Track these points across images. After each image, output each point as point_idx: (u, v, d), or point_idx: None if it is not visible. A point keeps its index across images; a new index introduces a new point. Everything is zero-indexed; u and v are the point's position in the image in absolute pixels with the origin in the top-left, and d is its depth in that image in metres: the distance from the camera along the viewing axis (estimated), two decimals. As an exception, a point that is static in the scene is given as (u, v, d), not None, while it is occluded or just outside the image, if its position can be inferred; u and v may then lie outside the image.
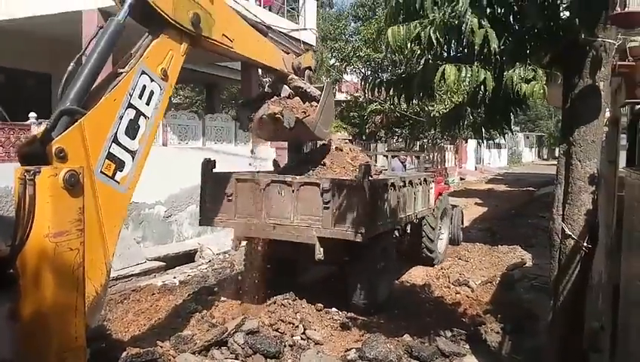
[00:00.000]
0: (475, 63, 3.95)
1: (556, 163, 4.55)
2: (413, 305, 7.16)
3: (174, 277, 8.69)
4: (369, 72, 19.48)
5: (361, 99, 20.29)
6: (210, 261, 9.75)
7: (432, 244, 9.24)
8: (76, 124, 3.24)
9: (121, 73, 3.70)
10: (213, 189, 6.61)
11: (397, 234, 8.73)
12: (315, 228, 6.02)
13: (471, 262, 9.85)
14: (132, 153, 3.68)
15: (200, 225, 7.70)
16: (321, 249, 5.99)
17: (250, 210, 6.39)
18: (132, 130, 3.68)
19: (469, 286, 8.09)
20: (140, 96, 3.75)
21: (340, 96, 21.64)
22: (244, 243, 7.04)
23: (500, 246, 11.15)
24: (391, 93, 5.06)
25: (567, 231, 4.18)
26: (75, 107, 3.29)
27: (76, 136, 3.22)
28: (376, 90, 5.31)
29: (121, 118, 3.58)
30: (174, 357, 5.05)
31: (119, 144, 3.58)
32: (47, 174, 2.85)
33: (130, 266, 8.69)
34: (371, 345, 5.38)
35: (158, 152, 10.55)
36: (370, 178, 5.98)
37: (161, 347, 5.23)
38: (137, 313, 6.43)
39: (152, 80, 3.84)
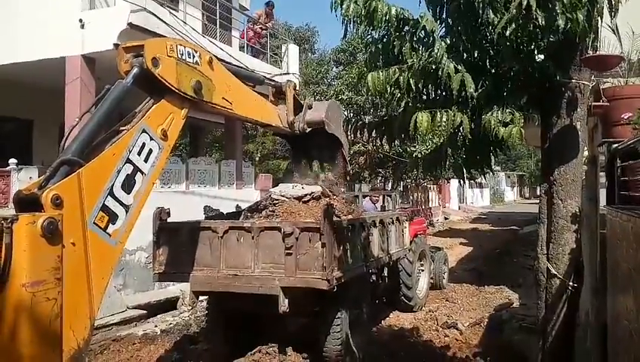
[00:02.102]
0: (453, 107, 4.02)
1: (538, 201, 4.60)
2: (402, 350, 7.01)
3: (156, 326, 8.45)
4: (351, 115, 19.79)
5: (344, 141, 20.49)
6: (191, 308, 9.51)
7: (409, 291, 9.00)
8: (74, 173, 3.26)
9: (123, 130, 3.79)
10: (168, 240, 6.21)
11: (373, 278, 8.48)
12: (277, 277, 5.62)
13: (458, 304, 9.77)
14: (126, 207, 3.69)
15: (154, 281, 7.23)
16: (286, 300, 5.56)
17: (207, 260, 5.97)
18: (128, 185, 3.71)
19: (457, 329, 7.99)
20: (139, 153, 3.82)
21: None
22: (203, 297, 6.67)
23: (486, 286, 11.11)
24: (373, 134, 5.13)
25: (553, 271, 4.19)
26: (76, 158, 3.36)
27: (73, 185, 3.23)
28: (359, 132, 5.37)
29: (118, 171, 3.62)
30: (155, 412, 4.85)
31: (114, 197, 3.59)
32: (24, 222, 2.79)
33: (111, 315, 8.45)
34: (360, 394, 5.23)
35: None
36: (334, 220, 5.74)
37: (142, 401, 5.03)
38: (117, 364, 6.21)
39: (151, 138, 3.93)
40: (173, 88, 4.10)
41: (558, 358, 4.16)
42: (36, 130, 13.52)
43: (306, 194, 6.80)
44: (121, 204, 3.64)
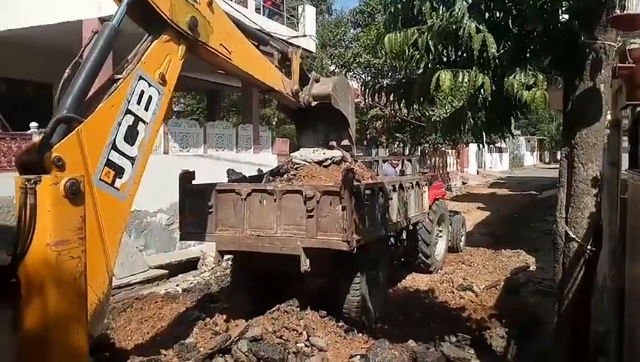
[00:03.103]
0: (474, 68, 3.95)
1: (558, 166, 4.54)
2: (417, 311, 7.12)
3: (177, 285, 8.68)
4: (369, 78, 19.52)
5: (361, 105, 20.32)
6: (212, 268, 9.73)
7: (427, 248, 9.09)
8: (74, 132, 3.20)
9: (119, 79, 3.65)
10: (193, 202, 6.36)
11: (392, 241, 8.55)
12: (299, 238, 5.78)
13: (474, 267, 9.82)
14: (131, 159, 3.63)
15: (180, 240, 7.53)
16: (307, 260, 5.72)
17: (232, 221, 6.15)
18: (131, 137, 3.63)
19: (473, 291, 8.06)
20: (139, 102, 3.70)
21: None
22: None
23: (503, 250, 11.12)
24: (391, 98, 5.07)
25: (571, 235, 4.17)
26: (72, 115, 3.26)
27: (74, 144, 3.19)
28: (377, 95, 5.32)
29: (119, 124, 3.53)
30: (178, 366, 5.03)
31: (118, 151, 3.53)
32: (47, 183, 2.85)
33: (133, 274, 8.69)
34: (375, 352, 5.35)
35: (159, 160, 10.64)
36: (354, 183, 5.80)
37: (165, 355, 5.21)
38: (140, 321, 6.40)
39: (150, 85, 3.79)
40: (166, 18, 3.88)
41: (574, 321, 4.19)
42: (56, 94, 13.63)
43: (327, 159, 6.86)
44: (126, 156, 3.58)
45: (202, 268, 10.03)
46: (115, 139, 3.50)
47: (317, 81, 6.70)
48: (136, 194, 3.81)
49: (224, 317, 6.38)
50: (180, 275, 9.51)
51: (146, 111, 3.76)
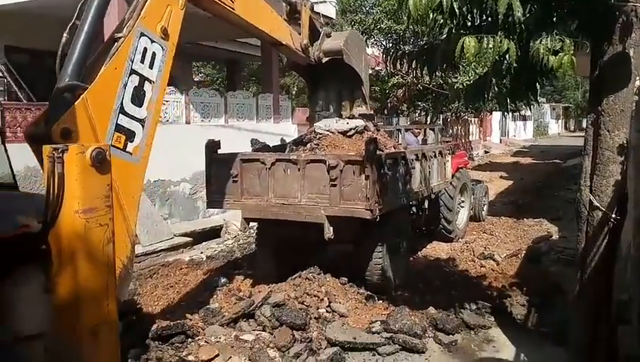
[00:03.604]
0: (499, 33, 3.86)
1: (583, 134, 4.45)
2: (437, 279, 7.16)
3: (201, 253, 8.87)
4: (390, 45, 19.17)
5: (382, 73, 20.03)
6: (235, 236, 9.90)
7: (449, 214, 9.07)
8: (78, 100, 3.12)
9: (119, 38, 3.49)
10: (219, 171, 6.50)
11: (414, 210, 8.60)
12: (322, 206, 5.88)
13: (496, 236, 9.78)
14: (141, 121, 3.53)
15: (207, 208, 7.72)
16: (331, 228, 5.84)
17: (257, 190, 6.27)
18: (138, 98, 3.51)
19: (494, 260, 8.05)
20: (142, 61, 3.55)
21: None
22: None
23: (525, 219, 11.03)
24: (413, 65, 4.99)
25: (595, 203, 4.12)
26: (75, 82, 3.16)
27: (80, 113, 3.11)
28: (399, 62, 5.24)
29: (124, 86, 3.40)
30: (203, 329, 5.19)
31: (126, 114, 3.43)
32: (74, 152, 2.89)
33: (158, 242, 8.89)
34: (396, 318, 5.43)
35: (182, 130, 10.76)
36: (377, 153, 5.82)
37: (191, 319, 5.37)
38: (166, 287, 6.58)
39: (152, 41, 3.62)
40: None
41: (596, 290, 4.17)
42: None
43: (350, 129, 6.86)
44: (135, 119, 3.48)
45: (225, 236, 10.20)
46: (122, 103, 3.39)
47: (328, 36, 6.54)
48: (150, 156, 3.69)
49: (247, 283, 6.53)
50: (204, 243, 9.71)
51: (151, 69, 3.62)
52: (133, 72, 3.49)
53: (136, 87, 3.51)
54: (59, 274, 2.92)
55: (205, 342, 4.97)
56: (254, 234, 7.72)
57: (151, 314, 5.59)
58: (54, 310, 2.92)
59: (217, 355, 4.73)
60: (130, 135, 3.48)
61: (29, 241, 2.91)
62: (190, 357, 4.69)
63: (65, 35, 3.29)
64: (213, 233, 10.38)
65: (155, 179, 10.28)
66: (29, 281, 3.05)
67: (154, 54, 3.64)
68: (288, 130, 13.65)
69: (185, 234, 9.68)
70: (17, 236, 2.87)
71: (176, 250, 9.01)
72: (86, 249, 2.97)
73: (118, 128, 3.39)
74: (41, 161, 3.28)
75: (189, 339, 4.98)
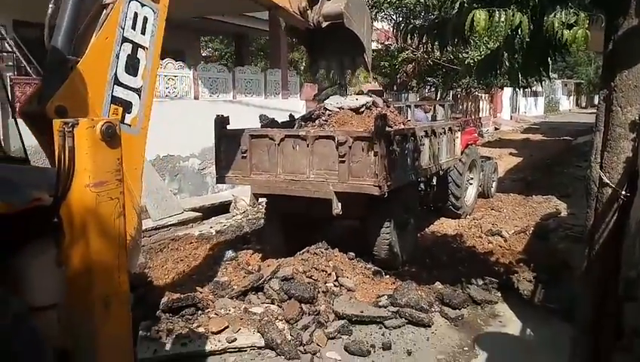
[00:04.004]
0: (512, 7, 3.79)
1: (595, 111, 4.40)
2: (444, 255, 7.20)
3: (211, 227, 8.95)
4: (401, 19, 18.87)
5: (392, 48, 19.80)
6: (244, 212, 9.97)
7: (458, 191, 9.06)
8: (70, 76, 3.05)
9: (108, 5, 3.36)
10: (228, 147, 6.52)
11: (422, 187, 8.60)
12: (331, 182, 5.91)
13: (504, 213, 9.77)
14: (137, 91, 3.42)
15: (217, 183, 7.80)
16: (339, 204, 5.88)
17: (266, 166, 6.30)
18: (132, 67, 3.38)
19: (501, 236, 8.06)
20: (134, 27, 3.40)
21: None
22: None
23: (534, 196, 10.99)
24: (424, 40, 4.93)
25: (605, 180, 4.08)
26: (66, 55, 3.07)
27: (73, 88, 3.03)
28: (409, 37, 5.17)
29: (117, 56, 3.27)
30: (213, 302, 5.27)
31: (122, 85, 3.33)
32: (84, 126, 2.89)
33: (168, 217, 8.98)
34: (403, 292, 5.49)
35: (190, 106, 10.75)
36: (386, 129, 5.80)
37: (201, 292, 5.46)
38: (176, 261, 6.67)
39: (142, 4, 3.47)
40: None
41: (604, 267, 4.16)
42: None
43: (362, 105, 6.82)
44: (131, 89, 3.37)
45: (234, 211, 10.28)
46: (116, 73, 3.27)
47: None
48: (155, 129, 3.61)
49: (256, 257, 6.60)
50: (213, 218, 9.80)
51: (144, 35, 3.48)
52: (125, 39, 3.35)
53: (129, 55, 3.38)
54: (71, 247, 2.96)
55: (215, 314, 5.06)
56: (263, 210, 7.78)
57: (161, 287, 5.68)
58: (67, 282, 2.97)
59: (227, 327, 4.82)
60: (127, 106, 3.38)
61: (42, 214, 2.94)
62: (200, 329, 4.79)
63: (51, 5, 3.16)
64: (222, 208, 10.46)
65: (164, 155, 10.34)
66: (42, 254, 3.09)
67: (145, 19, 3.50)
68: (297, 106, 13.60)
69: (194, 209, 9.76)
70: (30, 209, 2.90)
71: (185, 224, 9.10)
72: (97, 222, 3.00)
73: (114, 100, 3.29)
74: (38, 138, 3.27)
75: (199, 312, 5.07)
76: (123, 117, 3.35)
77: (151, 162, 9.86)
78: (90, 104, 3.12)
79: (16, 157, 3.88)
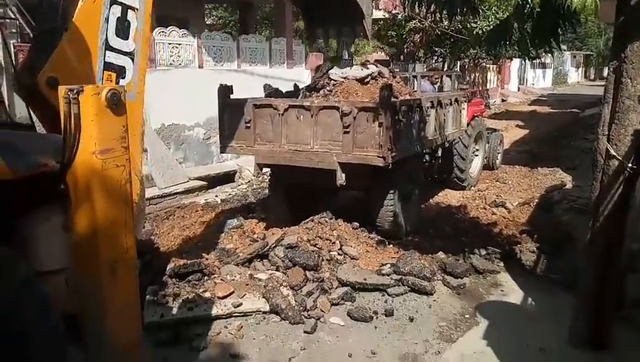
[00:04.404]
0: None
1: (603, 83, 4.35)
2: (448, 226, 7.24)
3: (216, 196, 9.01)
4: (409, -13, 18.51)
5: (399, 17, 19.48)
6: (249, 181, 10.01)
7: (463, 163, 9.05)
8: (59, 45, 2.99)
9: None
10: (232, 116, 6.47)
11: (427, 158, 8.58)
12: (335, 153, 5.90)
13: (509, 184, 9.76)
14: (130, 55, 3.34)
15: (220, 153, 7.80)
16: (343, 174, 5.89)
17: (270, 136, 6.27)
18: (123, 30, 3.29)
19: (505, 208, 8.07)
20: None
21: (377, 14, 20.77)
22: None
23: (539, 168, 10.95)
24: (432, 8, 4.86)
25: (612, 152, 4.06)
26: (54, 24, 3.01)
27: (64, 58, 2.97)
28: (417, 5, 5.09)
29: (107, 20, 3.19)
30: (219, 268, 5.34)
31: (113, 49, 3.25)
32: (89, 93, 2.89)
33: (173, 185, 9.04)
34: (406, 261, 5.54)
35: (194, 75, 10.67)
36: (391, 100, 5.75)
37: (207, 259, 5.52)
38: (182, 228, 6.73)
39: None
40: None
41: (607, 238, 4.18)
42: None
43: (367, 75, 6.76)
44: (123, 53, 3.30)
45: (239, 180, 10.32)
46: (106, 38, 3.19)
47: None
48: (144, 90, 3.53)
49: (261, 226, 6.65)
50: (218, 187, 9.85)
51: None
52: (113, 2, 3.25)
53: (119, 18, 3.29)
54: (77, 214, 2.99)
55: (221, 280, 5.13)
56: (267, 180, 7.80)
57: (168, 254, 5.75)
58: (74, 248, 3.01)
59: (232, 292, 4.90)
60: (120, 71, 3.32)
61: (48, 181, 2.97)
62: (206, 294, 4.87)
63: None
64: (227, 178, 10.50)
65: (169, 123, 10.32)
66: (49, 220, 3.13)
67: None
68: (301, 75, 13.47)
69: (199, 178, 9.81)
70: (36, 175, 2.92)
71: (191, 193, 9.16)
72: (103, 189, 3.02)
73: (107, 66, 3.23)
74: (35, 112, 3.24)
75: (205, 277, 5.14)
76: (117, 83, 3.30)
77: (156, 131, 9.86)
78: (83, 73, 3.04)
79: (22, 123, 3.89)
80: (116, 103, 2.97)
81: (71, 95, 2.86)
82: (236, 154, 7.53)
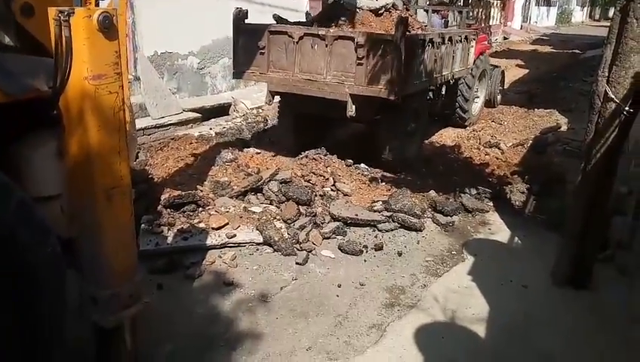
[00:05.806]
0: None
1: (608, 24, 4.24)
2: (440, 165, 7.28)
3: (210, 129, 8.95)
4: None
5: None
6: (244, 115, 9.91)
7: (466, 104, 9.05)
8: None
9: None
10: (246, 42, 6.42)
11: (431, 95, 8.55)
12: (347, 84, 5.93)
13: (504, 125, 9.75)
14: None
15: (234, 78, 7.81)
16: (353, 106, 5.95)
17: (283, 64, 6.26)
18: None
19: (499, 148, 8.10)
20: None
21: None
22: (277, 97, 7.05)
23: (536, 109, 10.92)
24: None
25: (610, 94, 4.03)
26: None
27: None
28: None
29: None
30: (213, 200, 5.40)
31: None
32: (81, 16, 2.79)
33: (167, 116, 8.95)
34: (397, 198, 5.62)
35: (189, 1, 10.26)
36: (407, 34, 5.68)
37: (201, 191, 5.57)
38: (177, 160, 6.74)
39: None
40: None
41: (597, 180, 4.23)
42: None
43: (382, 7, 6.62)
44: None
45: (234, 113, 10.21)
46: None
47: None
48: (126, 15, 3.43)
49: (256, 160, 6.67)
50: (212, 120, 9.74)
51: None
52: None
53: None
54: (70, 141, 2.96)
55: (215, 211, 5.20)
56: (263, 114, 7.73)
57: (162, 184, 5.77)
58: (68, 173, 3.01)
59: (227, 224, 4.98)
60: None
61: (41, 106, 2.92)
62: (201, 225, 4.95)
63: None
64: (222, 110, 10.37)
65: (162, 51, 10.05)
66: (43, 145, 3.10)
67: None
68: (300, 4, 13.02)
69: (193, 110, 9.68)
70: (29, 99, 2.88)
71: (185, 125, 9.08)
72: (96, 115, 2.97)
73: None
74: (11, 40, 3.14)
75: (200, 209, 5.21)
76: (97, 4, 3.20)
77: (149, 58, 9.63)
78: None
79: (11, 45, 3.78)
80: (108, 27, 2.87)
81: (62, 17, 2.76)
82: (250, 80, 7.51)
